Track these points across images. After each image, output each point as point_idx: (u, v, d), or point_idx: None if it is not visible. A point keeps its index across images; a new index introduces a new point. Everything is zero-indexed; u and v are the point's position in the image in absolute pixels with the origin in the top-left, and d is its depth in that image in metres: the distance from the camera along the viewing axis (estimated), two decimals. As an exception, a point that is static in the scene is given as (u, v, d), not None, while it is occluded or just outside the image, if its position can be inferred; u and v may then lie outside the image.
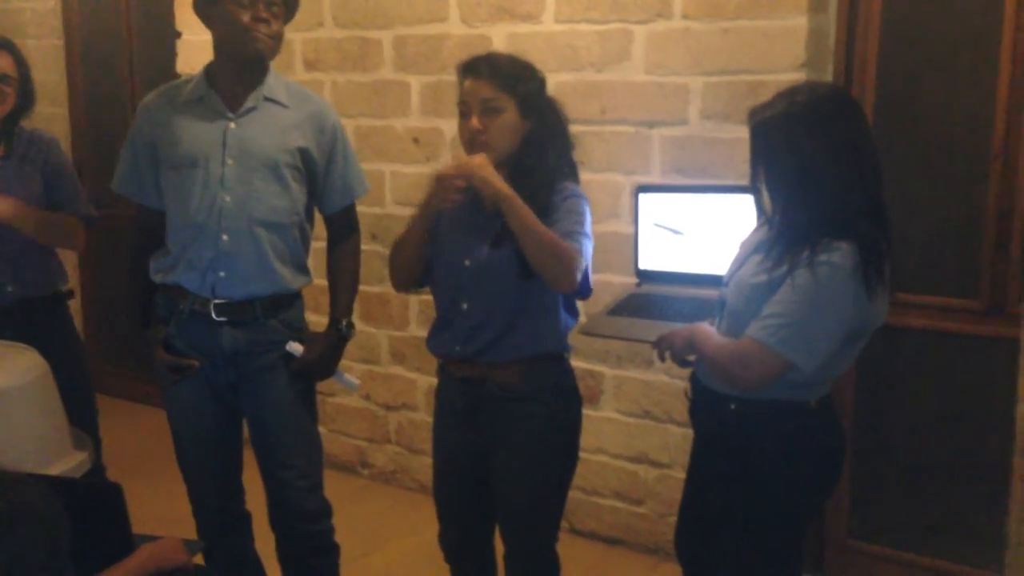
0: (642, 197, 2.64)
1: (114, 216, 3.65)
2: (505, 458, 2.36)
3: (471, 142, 2.27)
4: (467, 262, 2.30)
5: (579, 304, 3.31)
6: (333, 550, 2.71)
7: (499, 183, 2.17)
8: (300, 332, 2.61)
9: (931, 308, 3.00)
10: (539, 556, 2.46)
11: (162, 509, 2.94)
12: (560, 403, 2.38)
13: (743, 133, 2.07)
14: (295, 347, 2.56)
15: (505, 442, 2.35)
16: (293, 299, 2.60)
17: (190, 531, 2.65)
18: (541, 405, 2.33)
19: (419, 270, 2.40)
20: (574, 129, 2.41)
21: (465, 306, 2.32)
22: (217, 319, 2.49)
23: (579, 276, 2.22)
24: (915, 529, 3.13)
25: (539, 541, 2.45)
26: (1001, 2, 2.79)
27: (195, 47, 4.05)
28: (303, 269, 2.60)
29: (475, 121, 2.25)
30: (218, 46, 2.48)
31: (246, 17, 2.37)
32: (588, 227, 2.28)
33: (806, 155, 1.96)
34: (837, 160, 1.96)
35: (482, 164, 2.19)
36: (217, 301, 2.48)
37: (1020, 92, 2.80)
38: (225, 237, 2.45)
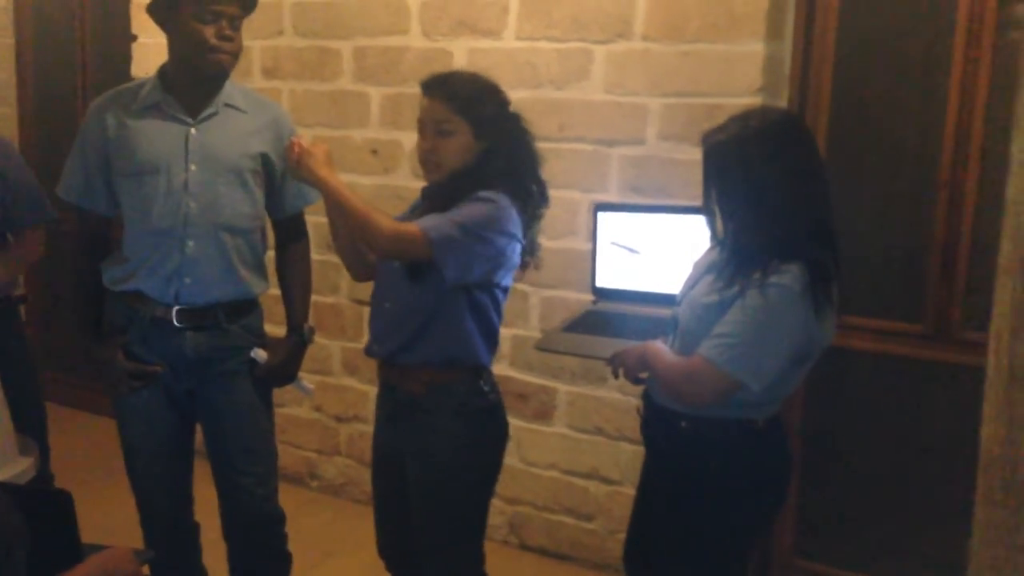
0: (600, 216, 2.66)
1: (61, 221, 3.59)
2: (411, 471, 2.34)
3: (423, 161, 2.30)
4: (396, 263, 2.30)
5: (535, 320, 3.38)
6: (286, 559, 2.70)
7: (316, 168, 2.19)
8: (262, 338, 2.60)
9: (877, 331, 3.05)
10: None
11: (107, 519, 2.89)
12: (465, 425, 2.30)
13: (699, 154, 2.10)
14: (260, 354, 2.55)
15: (411, 456, 2.34)
16: (253, 306, 2.60)
17: (137, 541, 2.61)
18: (444, 423, 2.29)
19: (356, 256, 2.41)
20: (532, 145, 2.41)
21: (388, 305, 2.34)
22: (178, 325, 2.47)
23: (387, 242, 2.16)
24: (860, 548, 3.17)
25: (450, 569, 2.38)
26: (951, 34, 2.87)
27: (151, 50, 4.01)
28: (263, 274, 2.59)
29: (427, 142, 2.27)
30: (176, 55, 2.45)
31: (210, 34, 2.35)
32: (466, 220, 2.17)
33: (758, 179, 1.99)
34: (788, 184, 2.00)
35: (308, 152, 2.21)
36: (179, 307, 2.46)
37: (967, 122, 2.86)
38: (191, 243, 2.43)
